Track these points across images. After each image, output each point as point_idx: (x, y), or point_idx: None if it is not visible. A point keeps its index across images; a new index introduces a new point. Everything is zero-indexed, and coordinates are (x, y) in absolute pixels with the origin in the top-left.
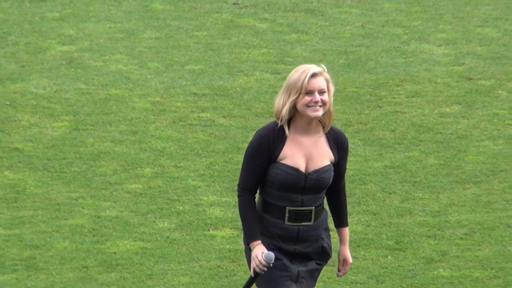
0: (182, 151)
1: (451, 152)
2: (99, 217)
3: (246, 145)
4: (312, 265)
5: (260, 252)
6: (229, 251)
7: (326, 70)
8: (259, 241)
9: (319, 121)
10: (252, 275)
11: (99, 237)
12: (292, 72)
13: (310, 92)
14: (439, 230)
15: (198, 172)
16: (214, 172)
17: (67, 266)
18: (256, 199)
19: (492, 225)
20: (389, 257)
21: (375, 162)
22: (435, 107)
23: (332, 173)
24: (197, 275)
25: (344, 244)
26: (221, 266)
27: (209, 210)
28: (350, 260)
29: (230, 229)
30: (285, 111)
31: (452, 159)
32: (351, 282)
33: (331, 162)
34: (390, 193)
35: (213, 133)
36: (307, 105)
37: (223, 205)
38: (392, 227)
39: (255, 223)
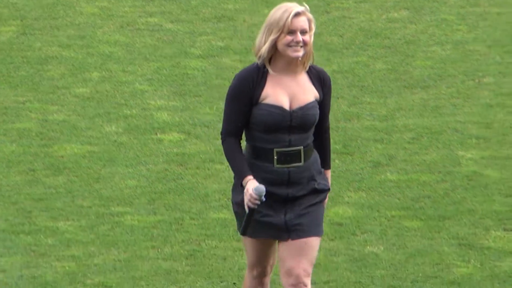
0: (129, 55)
1: (399, 57)
2: (46, 120)
3: (193, 50)
4: (303, 207)
5: (251, 186)
6: (176, 154)
7: (309, 10)
8: (251, 176)
9: (299, 61)
10: (247, 211)
11: (46, 141)
12: (273, 10)
13: (292, 32)
14: (386, 134)
15: (146, 77)
16: (161, 77)
17: (14, 170)
18: (244, 148)
19: (440, 129)
20: (336, 161)
21: (323, 67)
22: (383, 12)
23: (318, 110)
24: (144, 179)
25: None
26: (168, 169)
27: (157, 114)
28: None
29: (177, 133)
30: (265, 49)
31: (400, 64)
32: None
33: (315, 99)
34: (338, 98)
35: (160, 38)
36: (288, 45)
37: (170, 109)
38: (340, 131)
39: (243, 162)
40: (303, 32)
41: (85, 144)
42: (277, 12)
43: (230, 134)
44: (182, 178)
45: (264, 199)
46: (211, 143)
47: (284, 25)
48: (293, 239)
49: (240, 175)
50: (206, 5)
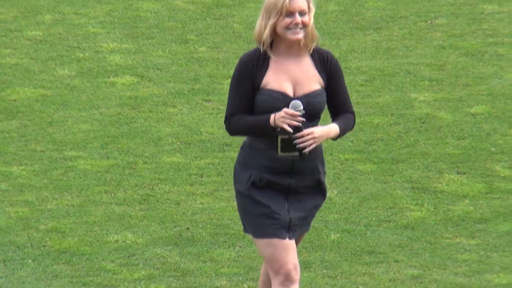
0: None
1: None
2: None
3: None
4: (306, 208)
5: (283, 111)
6: (129, 98)
7: None
8: (273, 114)
9: (301, 43)
10: (292, 131)
11: None
12: None
13: (290, 14)
14: None
15: (98, 19)
16: (114, 19)
17: None
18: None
19: (392, 71)
20: None
21: None
22: None
23: (324, 98)
24: (98, 122)
25: (322, 126)
26: (121, 113)
27: (109, 57)
28: (315, 134)
29: (130, 76)
30: (266, 34)
31: (352, 5)
32: None
33: (321, 87)
34: None
35: None
36: (287, 28)
37: (123, 52)
38: None
39: (258, 117)
40: (302, 13)
41: (38, 88)
42: None
43: (233, 114)
44: (135, 122)
45: (304, 112)
46: (164, 86)
47: (281, 7)
48: (290, 238)
49: (263, 123)
50: None
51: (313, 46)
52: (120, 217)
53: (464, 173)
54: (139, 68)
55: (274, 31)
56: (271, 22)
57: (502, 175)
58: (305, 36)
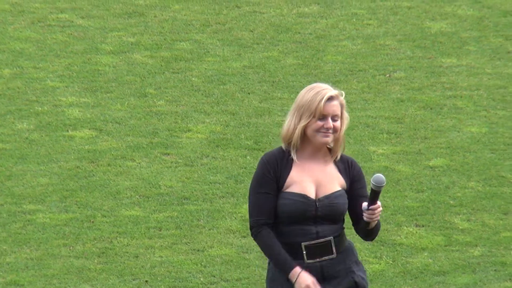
0: (40, 52)
1: (309, 52)
2: None
3: (105, 46)
4: None
5: (310, 279)
6: (88, 151)
7: (343, 94)
8: (298, 268)
9: (328, 148)
10: None
11: None
12: (304, 91)
13: (323, 117)
14: None
15: (57, 73)
16: (73, 73)
17: None
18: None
19: (351, 124)
20: (247, 157)
21: (234, 62)
22: (293, 7)
23: (346, 200)
24: (56, 176)
25: None
26: (79, 166)
27: (68, 111)
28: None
29: (89, 129)
30: (296, 136)
31: (311, 59)
32: (210, 182)
33: (342, 188)
34: (249, 93)
35: (71, 34)
36: (318, 131)
37: (81, 105)
38: (251, 127)
39: (283, 252)
40: (335, 118)
41: None
42: (308, 94)
43: (261, 225)
44: (94, 175)
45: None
46: (123, 140)
47: (315, 109)
48: None
49: (286, 267)
50: (117, 1)
51: (340, 153)
52: (78, 270)
53: (423, 226)
54: (97, 122)
55: (303, 132)
56: (302, 123)
57: (460, 227)
58: (334, 141)
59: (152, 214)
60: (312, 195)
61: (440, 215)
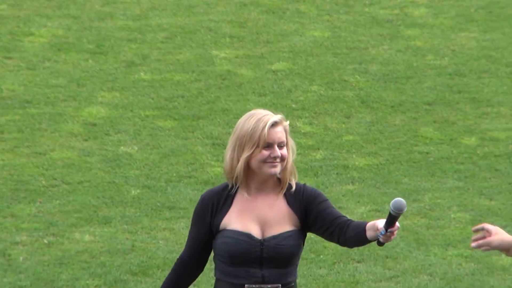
0: None
1: None
2: None
3: None
4: None
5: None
6: None
7: (284, 118)
8: None
9: (277, 178)
10: None
11: None
12: (243, 120)
13: (268, 146)
14: (140, 34)
15: None
16: None
17: None
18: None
19: (193, 28)
20: (90, 60)
21: None
22: None
23: (298, 241)
24: None
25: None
26: None
27: None
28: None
29: None
30: (239, 170)
31: None
32: (52, 86)
33: (295, 227)
34: None
35: None
36: (264, 161)
37: None
38: (93, 31)
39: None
40: (281, 145)
41: None
42: (249, 122)
43: (180, 257)
44: None
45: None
46: None
47: (259, 138)
48: None
49: None
50: None
51: (292, 182)
52: None
53: None
54: None
55: (247, 165)
56: (245, 155)
57: (303, 131)
58: (282, 171)
59: None
60: (256, 234)
61: None
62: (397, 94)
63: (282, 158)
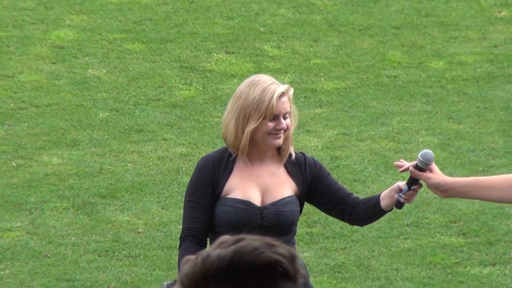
0: None
1: None
2: None
3: None
4: None
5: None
6: None
7: (290, 86)
8: None
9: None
10: None
11: None
12: (246, 87)
13: (274, 117)
14: None
15: None
16: None
17: None
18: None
19: None
20: None
21: None
22: None
23: (297, 207)
24: None
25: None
26: None
27: None
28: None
29: None
30: (244, 142)
31: None
32: (20, 9)
33: (294, 194)
34: None
35: None
36: (270, 133)
37: None
38: None
39: None
40: (285, 116)
41: None
42: (253, 91)
43: (188, 236)
44: None
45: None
46: None
47: (266, 110)
48: None
49: None
50: None
51: (292, 151)
52: None
53: (233, 53)
54: None
55: (251, 136)
56: (251, 127)
57: (271, 54)
58: (284, 139)
59: None
60: (257, 202)
61: (250, 42)
62: (365, 18)
63: (286, 129)
